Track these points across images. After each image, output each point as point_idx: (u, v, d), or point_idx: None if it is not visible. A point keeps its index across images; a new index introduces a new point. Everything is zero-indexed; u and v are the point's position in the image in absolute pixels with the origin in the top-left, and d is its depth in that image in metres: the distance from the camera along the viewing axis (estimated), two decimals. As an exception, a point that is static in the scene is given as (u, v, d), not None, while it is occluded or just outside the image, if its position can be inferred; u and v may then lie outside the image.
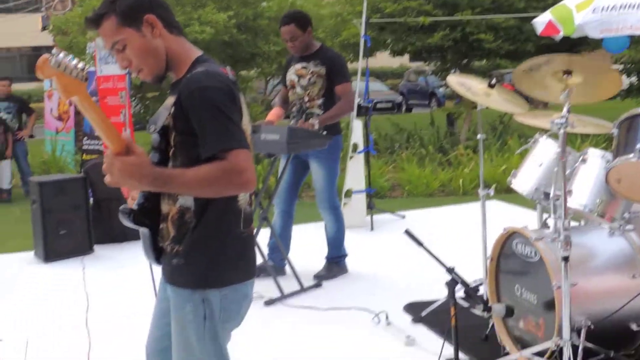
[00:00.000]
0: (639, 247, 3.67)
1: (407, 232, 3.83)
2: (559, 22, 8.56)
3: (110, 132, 2.09)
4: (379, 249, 6.46)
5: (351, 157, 7.43)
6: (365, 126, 7.56)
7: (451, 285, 3.69)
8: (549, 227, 3.88)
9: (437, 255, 3.81)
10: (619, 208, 3.52)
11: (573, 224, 3.80)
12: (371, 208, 7.43)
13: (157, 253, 2.40)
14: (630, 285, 3.56)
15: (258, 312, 4.81)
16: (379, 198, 8.75)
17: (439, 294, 4.26)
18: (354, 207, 7.40)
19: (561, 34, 8.55)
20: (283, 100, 5.64)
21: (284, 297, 5.09)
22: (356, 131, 7.41)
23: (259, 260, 5.30)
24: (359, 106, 7.44)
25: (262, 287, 5.04)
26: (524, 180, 3.95)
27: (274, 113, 5.59)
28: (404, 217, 7.67)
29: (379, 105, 24.42)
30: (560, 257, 3.32)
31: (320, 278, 5.52)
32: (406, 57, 14.70)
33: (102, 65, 9.10)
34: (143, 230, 2.40)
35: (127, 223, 2.39)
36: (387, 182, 9.43)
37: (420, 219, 7.62)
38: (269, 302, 5.01)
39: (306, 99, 5.37)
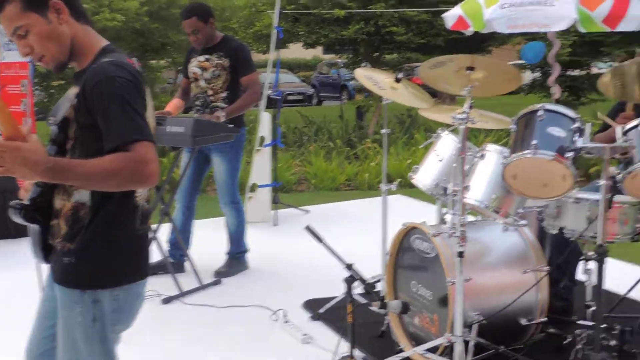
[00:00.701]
0: (531, 242, 3.72)
1: (308, 228, 3.76)
2: (469, 17, 8.65)
3: (3, 117, 1.96)
4: (281, 244, 6.36)
5: (258, 150, 7.31)
6: (274, 119, 7.45)
7: (349, 281, 3.64)
8: (446, 223, 3.87)
9: (336, 252, 3.76)
10: (513, 204, 3.54)
11: (471, 219, 3.82)
12: (276, 202, 7.33)
13: (45, 251, 2.29)
14: (522, 280, 3.61)
15: (155, 310, 4.70)
16: (285, 192, 8.67)
17: (339, 290, 4.20)
18: (259, 202, 7.29)
19: (471, 29, 8.66)
20: (183, 92, 5.48)
21: (182, 294, 4.95)
22: (264, 124, 7.29)
23: (159, 257, 5.21)
24: (269, 98, 7.33)
25: (161, 284, 4.93)
26: (425, 175, 3.94)
27: (173, 104, 5.43)
28: (308, 212, 7.61)
29: (290, 97, 24.39)
30: (456, 252, 3.31)
31: (220, 275, 5.40)
32: (319, 49, 14.72)
33: (4, 52, 8.68)
34: (33, 227, 2.29)
35: (16, 219, 2.27)
36: (294, 176, 9.36)
37: (324, 213, 7.59)
38: (167, 300, 4.86)
39: (210, 92, 5.23)
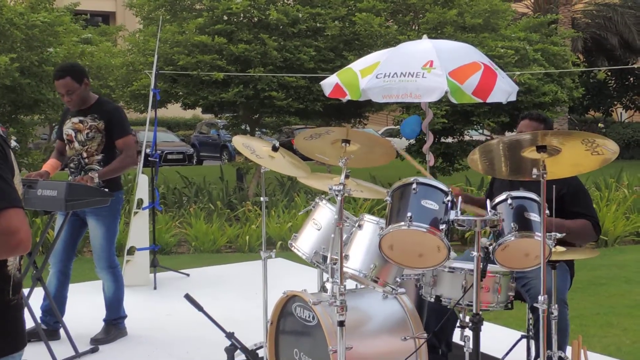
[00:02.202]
0: (409, 310, 3.84)
1: (187, 296, 3.76)
2: (345, 86, 8.92)
3: None
4: (160, 309, 6.23)
5: (136, 213, 7.19)
6: (152, 180, 7.37)
7: (230, 351, 3.64)
8: (327, 291, 3.94)
9: (216, 321, 3.76)
10: (391, 273, 3.65)
11: (351, 286, 3.91)
12: (155, 266, 7.21)
13: None
14: (402, 348, 3.69)
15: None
16: (165, 254, 8.55)
17: (220, 357, 4.16)
18: (138, 265, 7.14)
19: (348, 97, 8.95)
20: (59, 152, 5.38)
21: (55, 364, 4.75)
22: (142, 185, 7.19)
23: (31, 324, 4.98)
24: (147, 157, 7.26)
25: (33, 353, 4.65)
26: (304, 243, 4.01)
27: (50, 165, 5.31)
28: (188, 275, 7.52)
29: (169, 157, 24.22)
30: (337, 321, 3.37)
31: (97, 342, 5.22)
32: (199, 109, 14.75)
33: None
34: None
35: None
36: (174, 238, 9.23)
37: (205, 276, 7.52)
38: (38, 371, 4.66)
39: (84, 154, 5.14)
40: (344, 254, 3.61)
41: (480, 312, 3.32)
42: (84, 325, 5.40)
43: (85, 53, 11.65)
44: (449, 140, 14.73)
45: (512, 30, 14.58)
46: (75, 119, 5.17)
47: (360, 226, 3.67)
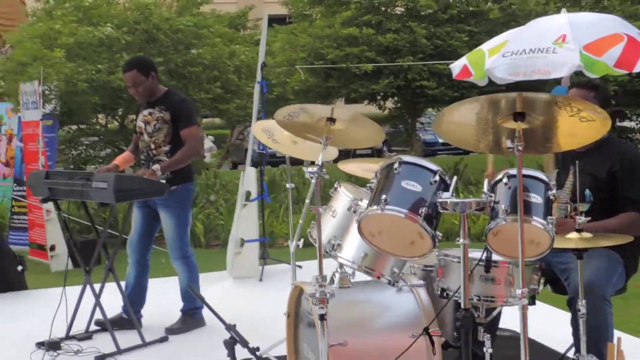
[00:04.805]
0: (424, 304, 3.45)
1: (190, 288, 3.66)
2: (472, 66, 8.44)
3: None
4: (263, 301, 6.14)
5: (244, 205, 7.22)
6: (261, 173, 7.37)
7: (229, 344, 3.50)
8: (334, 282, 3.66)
9: (217, 313, 3.64)
10: (387, 263, 3.30)
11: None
12: (264, 258, 7.21)
13: None
14: (409, 345, 3.32)
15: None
16: (278, 248, 8.49)
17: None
18: (246, 257, 7.18)
19: (472, 78, 8.44)
20: (135, 146, 5.48)
21: (119, 352, 4.85)
22: (249, 178, 7.21)
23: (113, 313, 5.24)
24: (254, 152, 7.28)
25: (107, 341, 4.87)
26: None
27: (122, 157, 5.44)
28: (301, 267, 7.42)
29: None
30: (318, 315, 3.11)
31: (170, 332, 5.29)
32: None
33: (24, 111, 8.98)
34: None
35: None
36: (282, 228, 9.13)
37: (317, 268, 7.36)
38: (100, 358, 4.77)
39: (152, 146, 5.21)
40: (337, 243, 3.35)
41: (471, 308, 2.90)
42: (169, 316, 5.46)
43: (237, 53, 11.90)
44: (625, 124, 13.52)
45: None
46: (146, 112, 5.26)
47: (355, 211, 3.35)
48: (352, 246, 3.32)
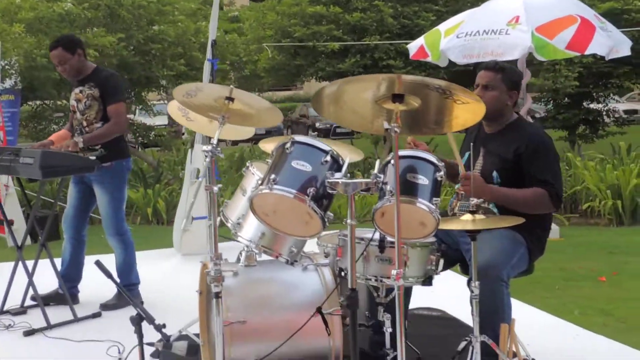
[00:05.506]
0: (328, 283, 3.48)
1: (97, 263, 3.67)
2: (428, 47, 8.48)
3: None
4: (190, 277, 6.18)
5: (193, 183, 7.22)
6: (211, 151, 7.34)
7: (135, 320, 3.52)
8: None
9: (124, 289, 3.67)
10: (285, 243, 3.34)
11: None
12: (215, 235, 7.21)
13: None
14: (310, 323, 3.35)
15: (9, 343, 4.69)
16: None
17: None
18: (195, 234, 7.19)
19: (429, 59, 8.44)
20: (70, 124, 5.47)
21: (48, 327, 4.88)
22: (198, 156, 7.20)
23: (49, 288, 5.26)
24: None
25: (38, 317, 4.91)
26: (231, 211, 3.74)
27: (58, 134, 5.42)
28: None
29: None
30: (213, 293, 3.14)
31: (105, 307, 5.32)
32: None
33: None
34: None
35: None
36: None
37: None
38: (28, 333, 4.80)
39: (85, 123, 5.20)
40: (237, 221, 3.38)
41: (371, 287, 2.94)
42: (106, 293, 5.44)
43: (202, 30, 11.85)
44: (592, 105, 13.56)
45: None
46: (77, 89, 5.25)
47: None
48: (252, 226, 3.35)
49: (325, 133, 20.01)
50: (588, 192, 9.68)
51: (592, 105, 13.56)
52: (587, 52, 7.59)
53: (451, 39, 7.96)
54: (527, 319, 4.64)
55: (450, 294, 4.76)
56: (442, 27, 8.48)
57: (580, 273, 6.51)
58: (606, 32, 7.70)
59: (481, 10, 8.28)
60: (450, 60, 8.13)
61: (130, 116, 12.74)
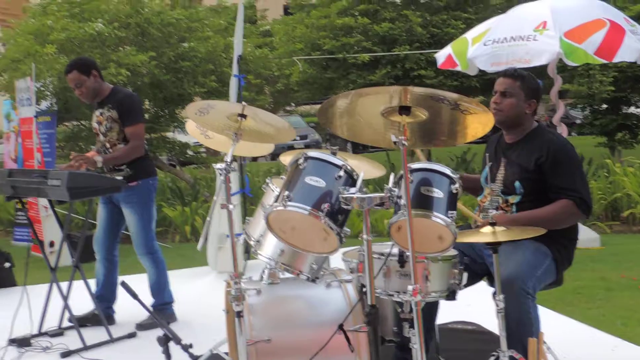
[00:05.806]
0: (352, 300, 3.46)
1: (123, 284, 3.70)
2: (456, 56, 8.40)
3: None
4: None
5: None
6: (241, 167, 7.39)
7: (162, 340, 3.54)
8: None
9: (152, 311, 3.69)
10: (306, 260, 3.32)
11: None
12: (248, 252, 7.23)
13: None
14: (333, 340, 3.34)
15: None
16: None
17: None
18: (230, 251, 7.18)
19: (458, 68, 8.37)
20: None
21: (85, 348, 4.93)
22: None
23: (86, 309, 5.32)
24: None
25: (75, 338, 4.96)
26: (254, 228, 3.74)
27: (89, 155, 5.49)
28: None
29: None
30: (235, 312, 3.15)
31: (141, 327, 5.35)
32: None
33: (20, 108, 9.06)
34: None
35: None
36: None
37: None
38: (65, 355, 4.85)
39: (108, 145, 5.26)
40: (258, 239, 3.38)
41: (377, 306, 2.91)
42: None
43: (232, 46, 11.87)
44: (631, 110, 13.31)
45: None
46: (97, 112, 5.32)
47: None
48: (271, 243, 3.35)
49: (355, 145, 19.36)
50: (629, 199, 9.45)
51: (630, 110, 13.34)
52: (615, 60, 7.45)
53: (478, 47, 7.90)
54: (564, 331, 4.56)
55: (486, 308, 4.70)
56: (469, 35, 8.41)
57: (622, 282, 6.37)
58: (636, 35, 7.56)
59: (508, 16, 8.20)
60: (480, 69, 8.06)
61: (169, 134, 12.83)
